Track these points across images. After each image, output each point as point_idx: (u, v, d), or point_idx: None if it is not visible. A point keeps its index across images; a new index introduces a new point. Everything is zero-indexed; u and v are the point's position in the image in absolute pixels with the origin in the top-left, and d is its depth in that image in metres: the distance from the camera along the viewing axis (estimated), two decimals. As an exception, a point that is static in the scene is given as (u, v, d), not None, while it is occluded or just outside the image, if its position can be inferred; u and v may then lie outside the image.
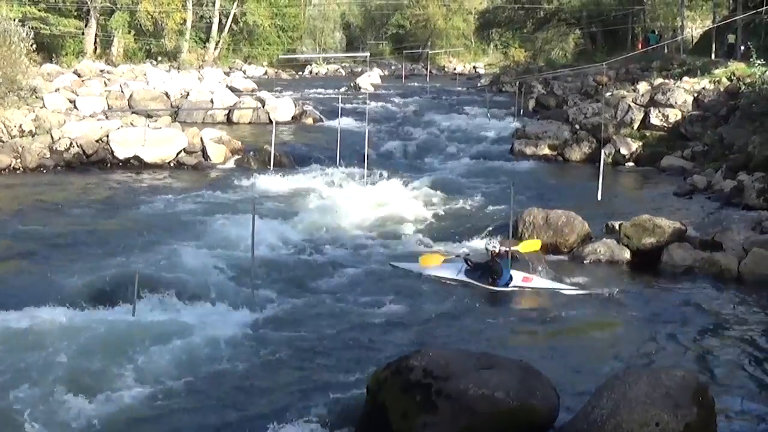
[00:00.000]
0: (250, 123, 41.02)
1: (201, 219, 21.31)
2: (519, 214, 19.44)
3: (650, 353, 13.16)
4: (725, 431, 9.93)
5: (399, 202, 24.04)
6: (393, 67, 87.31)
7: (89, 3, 63.05)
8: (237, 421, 10.54)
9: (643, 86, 36.48)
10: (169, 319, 13.84)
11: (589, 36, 60.56)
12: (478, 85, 65.78)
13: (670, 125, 32.97)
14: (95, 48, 65.44)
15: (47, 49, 56.26)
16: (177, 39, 71.54)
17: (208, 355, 12.53)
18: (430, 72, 76.52)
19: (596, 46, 59.01)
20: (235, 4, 78.53)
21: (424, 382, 9.42)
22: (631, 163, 31.71)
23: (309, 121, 42.26)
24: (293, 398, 10.99)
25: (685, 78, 36.55)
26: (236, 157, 31.59)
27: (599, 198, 23.02)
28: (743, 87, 33.04)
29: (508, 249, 16.82)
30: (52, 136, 30.19)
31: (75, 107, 36.51)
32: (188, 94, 43.34)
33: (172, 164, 30.58)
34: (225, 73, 64.77)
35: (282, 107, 42.03)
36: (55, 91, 38.80)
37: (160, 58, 69.22)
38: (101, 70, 51.30)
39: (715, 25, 46.17)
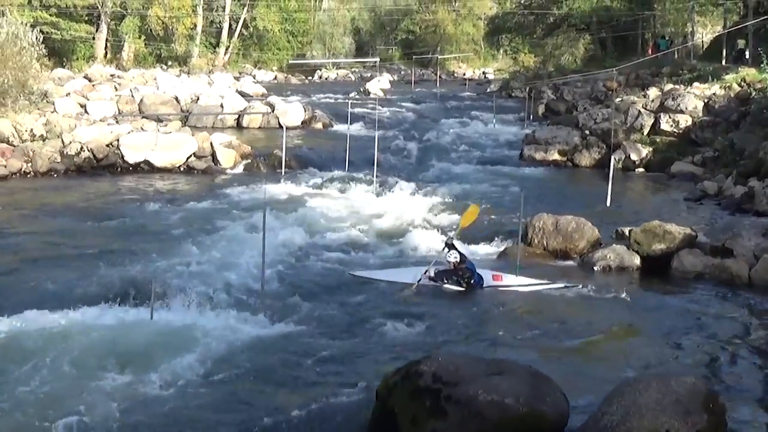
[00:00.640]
0: (259, 128, 41.08)
1: (212, 224, 21.32)
2: (528, 220, 19.42)
3: (660, 360, 13.11)
4: (736, 439, 9.89)
5: (408, 207, 24.04)
6: (402, 73, 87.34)
7: (100, 8, 63.21)
8: (247, 427, 10.52)
9: (653, 92, 36.46)
10: (185, 323, 13.87)
11: (599, 41, 60.46)
12: (488, 90, 65.74)
13: (681, 131, 32.91)
14: (106, 53, 65.62)
15: (58, 53, 56.47)
16: (187, 44, 71.70)
17: (220, 360, 12.52)
18: (439, 77, 76.53)
19: (606, 51, 58.90)
20: (245, 9, 78.68)
21: (433, 387, 9.40)
22: (641, 169, 31.66)
23: (319, 125, 42.31)
24: (302, 404, 10.95)
25: (696, 84, 36.50)
26: (246, 161, 31.64)
27: (608, 204, 22.99)
28: (754, 93, 32.96)
29: (452, 240, 17.26)
30: (62, 141, 30.28)
31: (86, 112, 36.56)
32: (198, 99, 43.41)
33: (182, 169, 30.66)
34: (235, 77, 64.86)
35: (292, 112, 42.07)
36: (66, 95, 38.89)
37: (170, 63, 69.37)
38: (112, 75, 51.41)
39: (726, 31, 46.14)
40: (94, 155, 29.96)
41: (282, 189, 26.68)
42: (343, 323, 14.51)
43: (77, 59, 61.06)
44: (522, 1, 67.48)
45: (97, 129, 31.71)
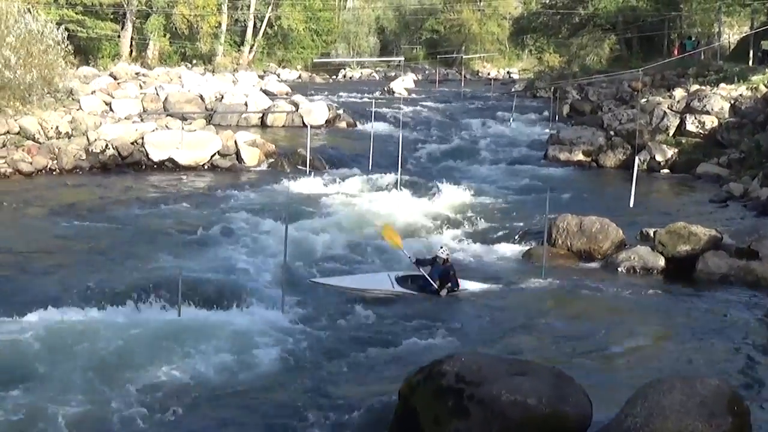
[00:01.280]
0: (284, 126, 41.13)
1: (236, 222, 21.37)
2: (552, 220, 19.36)
3: (684, 361, 13.05)
4: (760, 441, 9.83)
5: (432, 207, 24.05)
6: (427, 72, 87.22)
7: (125, 6, 63.43)
8: (270, 425, 10.55)
9: (679, 93, 36.28)
10: (211, 321, 13.98)
11: (624, 42, 60.13)
12: (512, 90, 65.56)
13: (707, 132, 32.73)
14: (131, 51, 65.86)
15: (84, 51, 56.73)
16: (212, 42, 71.86)
17: (244, 359, 12.61)
18: (464, 77, 76.42)
19: (632, 52, 58.60)
20: (270, 7, 78.77)
21: (456, 387, 9.37)
22: (666, 170, 31.51)
23: (343, 125, 42.33)
24: (325, 403, 11.00)
25: (722, 84, 36.28)
26: (270, 160, 31.71)
27: (632, 205, 22.89)
28: (781, 94, 32.75)
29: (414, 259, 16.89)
30: (88, 138, 30.43)
31: (111, 109, 36.69)
32: (223, 97, 43.51)
33: (206, 167, 30.75)
34: (259, 76, 64.93)
35: (316, 111, 42.11)
36: (92, 93, 39.05)
37: (195, 62, 69.55)
38: (137, 73, 51.56)
39: (753, 32, 45.78)
40: (119, 153, 30.09)
41: (306, 187, 26.70)
42: (366, 323, 14.55)
43: (102, 57, 61.32)
44: (547, 1, 67.28)
45: (122, 127, 31.86)
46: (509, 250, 19.68)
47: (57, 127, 30.38)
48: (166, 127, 32.66)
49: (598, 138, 34.45)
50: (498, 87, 71.05)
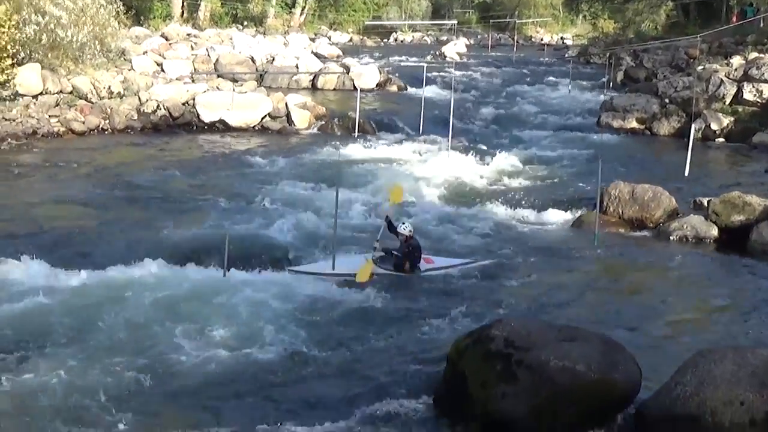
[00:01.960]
0: (334, 89, 41.08)
1: (285, 183, 21.41)
2: (604, 188, 19.15)
3: (736, 332, 12.89)
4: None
5: (482, 172, 23.92)
6: (479, 37, 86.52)
7: (178, -33, 63.52)
8: (315, 385, 10.60)
9: (736, 60, 35.58)
10: (257, 281, 14.01)
11: (681, 8, 59.10)
12: (566, 56, 64.87)
13: (764, 101, 32.08)
14: (182, 12, 65.90)
15: (136, 12, 56.87)
16: (263, 4, 71.77)
17: (291, 320, 12.63)
18: (516, 42, 75.65)
19: (689, 18, 57.58)
20: (323, -31, 78.48)
21: (504, 351, 9.35)
22: (721, 139, 30.97)
23: (393, 88, 42.17)
24: (372, 365, 11.01)
25: (782, 52, 35.55)
26: (320, 123, 31.66)
27: (686, 174, 22.57)
28: (841, 62, 32.02)
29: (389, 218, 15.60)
30: (139, 98, 30.61)
31: (162, 70, 36.86)
32: (273, 60, 43.54)
33: (256, 128, 30.81)
34: (310, 39, 64.75)
35: (367, 74, 41.98)
36: (143, 53, 39.21)
37: (246, 23, 69.49)
38: (188, 34, 51.61)
39: (815, -2, 44.77)
40: (170, 113, 30.25)
41: (355, 151, 26.65)
42: (415, 286, 14.51)
43: (154, 18, 61.41)
44: (603, -34, 66.32)
45: (173, 87, 32.00)
46: (560, 217, 19.50)
47: (109, 87, 30.56)
48: (217, 88, 32.76)
49: (652, 105, 33.94)
50: (551, 53, 70.42)
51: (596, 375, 9.05)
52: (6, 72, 27.37)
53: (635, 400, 9.36)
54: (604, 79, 43.83)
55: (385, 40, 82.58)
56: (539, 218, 19.44)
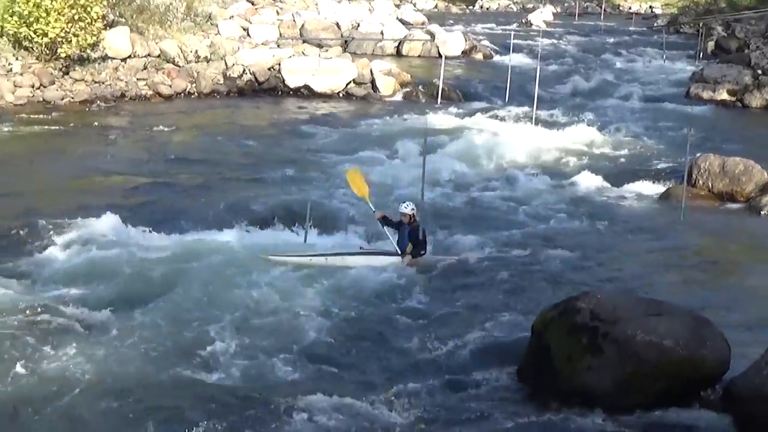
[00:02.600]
0: (419, 56, 40.86)
1: (369, 150, 21.44)
2: (693, 160, 18.77)
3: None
4: None
5: (567, 143, 23.60)
6: (566, 5, 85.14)
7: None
8: (400, 358, 10.61)
9: (833, 31, 34.51)
10: (339, 247, 14.02)
11: (776, -23, 57.45)
12: (655, 25, 63.59)
13: None
14: (270, -23, 66.15)
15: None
16: (349, -30, 71.60)
17: (371, 288, 12.71)
18: (604, 10, 74.35)
19: (784, -13, 55.95)
20: (409, -66, 77.81)
21: (590, 325, 9.23)
22: (815, 112, 30.13)
23: (479, 56, 41.83)
24: (457, 335, 10.96)
25: None
26: (405, 89, 31.59)
27: (780, 146, 22.03)
28: None
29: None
30: (225, 63, 30.85)
31: (248, 35, 37.04)
32: (359, 26, 43.47)
33: (341, 95, 30.86)
34: (395, 5, 64.41)
35: (452, 41, 41.67)
36: (229, 18, 39.40)
37: (332, -11, 69.47)
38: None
39: None
40: (255, 78, 30.46)
41: (440, 118, 26.49)
42: (499, 256, 14.39)
43: (242, -17, 61.79)
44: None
45: (259, 52, 32.20)
46: (646, 189, 19.19)
47: (196, 51, 30.87)
48: (303, 53, 32.85)
49: (744, 77, 33.11)
50: (639, 22, 69.02)
51: (684, 351, 8.90)
52: (95, 34, 27.76)
53: (723, 378, 9.17)
54: (693, 50, 42.90)
55: (471, 7, 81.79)
56: (625, 190, 19.16)
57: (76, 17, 26.89)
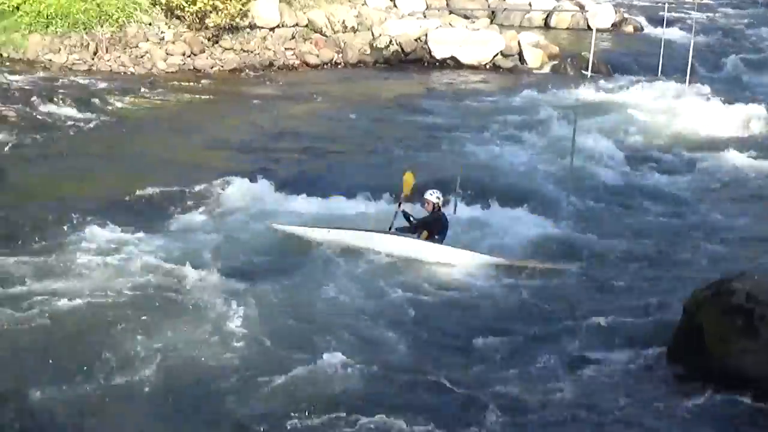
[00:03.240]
0: (567, 28, 39.96)
1: (517, 122, 21.21)
2: None
3: None
4: None
5: (722, 121, 22.67)
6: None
7: None
8: (548, 320, 10.63)
9: None
10: (485, 218, 13.98)
11: None
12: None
13: None
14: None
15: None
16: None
17: (517, 254, 12.68)
18: (763, -18, 71.44)
19: None
20: None
21: (746, 306, 8.88)
22: None
23: (629, 29, 40.67)
24: (604, 310, 10.73)
25: None
26: (553, 62, 31.05)
27: None
28: None
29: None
30: (372, 33, 30.89)
31: (395, 5, 36.83)
32: (507, -4, 42.91)
33: (487, 66, 30.48)
34: (545, -24, 63.48)
35: (602, 13, 40.56)
36: (378, -12, 39.46)
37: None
38: (422, -30, 51.67)
39: None
40: (402, 49, 30.40)
41: (589, 92, 25.86)
42: (649, 234, 13.97)
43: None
44: None
45: (406, 23, 32.09)
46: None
47: (343, 21, 30.98)
48: (450, 24, 32.57)
49: None
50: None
51: None
52: (244, 3, 28.16)
53: None
54: None
55: (622, -21, 79.72)
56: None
57: (226, -15, 27.42)
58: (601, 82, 27.78)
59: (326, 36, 30.16)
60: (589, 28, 35.45)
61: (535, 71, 30.25)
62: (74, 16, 26.80)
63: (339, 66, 29.19)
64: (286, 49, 28.91)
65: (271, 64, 28.03)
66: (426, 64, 30.33)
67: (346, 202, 14.65)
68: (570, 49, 32.62)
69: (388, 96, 24.92)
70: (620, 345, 9.84)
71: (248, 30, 28.78)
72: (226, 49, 28.03)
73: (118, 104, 22.01)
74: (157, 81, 24.90)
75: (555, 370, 9.34)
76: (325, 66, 28.96)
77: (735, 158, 18.95)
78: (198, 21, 27.66)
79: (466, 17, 34.67)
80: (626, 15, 41.71)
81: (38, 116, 20.12)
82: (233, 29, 28.35)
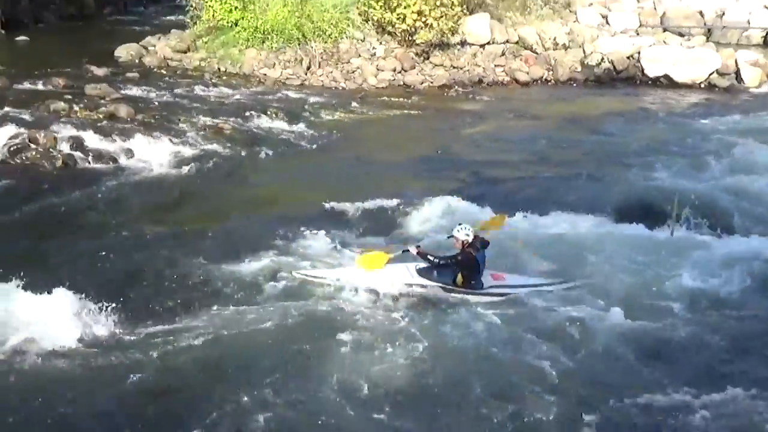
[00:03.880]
0: (789, 46, 38.27)
1: (733, 144, 20.18)
2: None
3: None
4: None
5: None
6: None
7: None
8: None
9: None
10: (705, 245, 13.36)
11: None
12: None
13: None
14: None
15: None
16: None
17: (725, 286, 12.18)
18: None
19: None
20: None
21: None
22: None
23: None
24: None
25: None
26: (773, 81, 29.68)
27: None
28: None
29: (478, 235, 11.79)
30: (584, 51, 30.50)
31: (607, 23, 36.29)
32: (724, 14, 41.36)
33: (702, 85, 29.50)
34: (764, -7, 60.96)
35: (830, 31, 38.67)
36: (588, 5, 38.76)
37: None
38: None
39: None
40: (613, 67, 29.83)
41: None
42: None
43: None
44: None
45: (618, 40, 31.49)
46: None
47: (554, 38, 30.72)
48: (664, 42, 31.71)
49: None
50: None
51: None
52: (455, 20, 28.28)
53: None
54: None
55: None
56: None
57: (437, 2, 27.56)
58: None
59: (536, 53, 29.98)
60: (813, 46, 33.80)
61: (752, 90, 28.99)
62: (289, 32, 27.64)
63: (549, 83, 28.99)
64: (495, 65, 28.93)
65: (480, 81, 28.07)
66: (638, 82, 29.66)
67: (560, 217, 14.38)
68: (792, 69, 31.06)
69: (599, 114, 24.48)
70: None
71: (458, 46, 28.91)
72: (436, 65, 28.28)
73: (329, 118, 22.54)
74: (368, 96, 25.35)
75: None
76: (534, 83, 28.82)
77: None
78: (409, 37, 27.98)
79: (680, 35, 33.79)
80: None
81: (252, 129, 20.85)
82: (443, 45, 28.57)
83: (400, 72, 27.70)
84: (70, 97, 21.04)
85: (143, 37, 30.13)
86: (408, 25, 27.65)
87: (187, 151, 18.58)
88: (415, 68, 27.92)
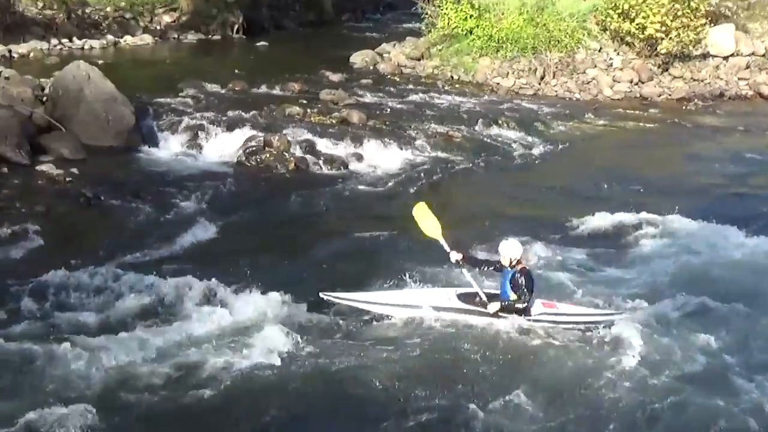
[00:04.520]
0: None
1: None
2: None
3: None
4: None
5: None
6: None
7: None
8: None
9: None
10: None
11: None
12: None
13: None
14: None
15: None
16: None
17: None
18: None
19: None
20: None
21: None
22: None
23: None
24: None
25: None
26: None
27: None
28: None
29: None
30: None
31: None
32: None
33: None
34: None
35: None
36: None
37: None
38: None
39: None
40: None
41: None
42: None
43: None
44: None
45: None
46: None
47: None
48: None
49: None
50: None
51: None
52: (698, 31, 27.15)
53: None
54: None
55: None
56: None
57: (679, 13, 26.56)
58: None
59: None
60: None
61: None
62: (524, 41, 27.35)
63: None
64: (739, 78, 27.60)
65: (721, 94, 26.90)
66: None
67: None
68: None
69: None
70: None
71: (700, 59, 27.75)
72: (675, 77, 27.33)
73: (561, 128, 22.16)
74: (602, 108, 24.77)
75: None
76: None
77: None
78: (648, 48, 27.11)
79: None
80: None
81: (482, 138, 20.72)
82: (684, 57, 27.47)
83: (637, 84, 26.89)
84: (305, 101, 21.61)
85: (378, 43, 30.65)
86: (648, 36, 26.79)
87: (416, 158, 18.70)
88: (653, 80, 27.04)
